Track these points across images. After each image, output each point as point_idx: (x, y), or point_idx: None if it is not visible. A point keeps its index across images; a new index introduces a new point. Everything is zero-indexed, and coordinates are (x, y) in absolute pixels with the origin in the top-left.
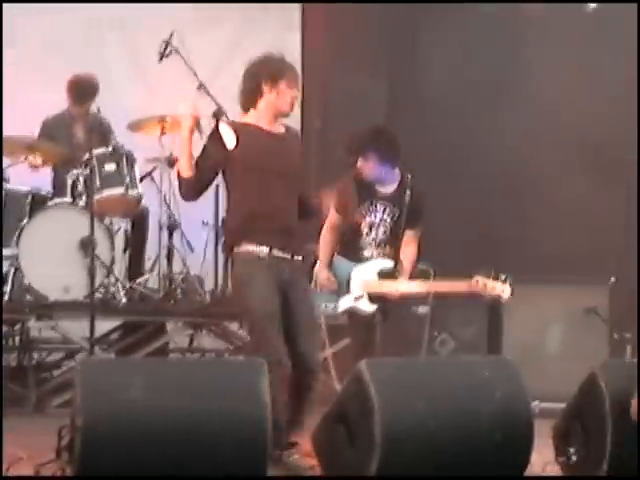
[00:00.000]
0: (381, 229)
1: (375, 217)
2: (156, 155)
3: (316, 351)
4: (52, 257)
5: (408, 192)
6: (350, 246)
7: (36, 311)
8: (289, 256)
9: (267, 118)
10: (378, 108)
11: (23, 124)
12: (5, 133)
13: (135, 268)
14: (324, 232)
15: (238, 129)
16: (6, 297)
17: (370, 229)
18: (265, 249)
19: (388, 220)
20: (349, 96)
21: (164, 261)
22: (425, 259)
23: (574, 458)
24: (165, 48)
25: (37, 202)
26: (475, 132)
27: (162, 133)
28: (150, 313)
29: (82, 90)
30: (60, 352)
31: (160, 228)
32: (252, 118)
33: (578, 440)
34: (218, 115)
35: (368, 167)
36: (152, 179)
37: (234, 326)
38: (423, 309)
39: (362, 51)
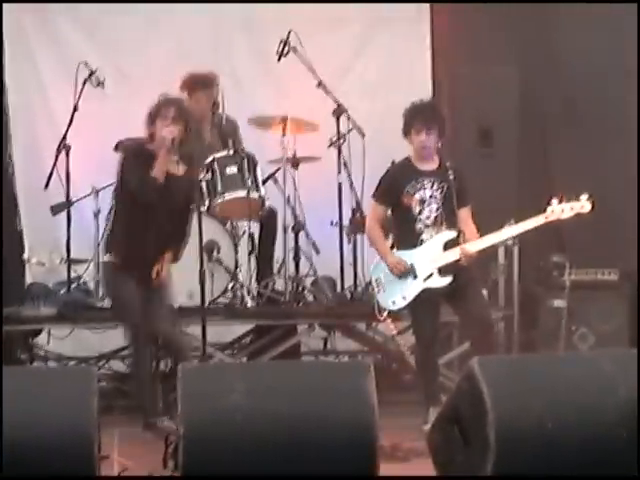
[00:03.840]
0: (433, 205)
1: (424, 193)
2: (279, 156)
3: None
4: (180, 262)
5: (451, 171)
6: (406, 235)
7: None
8: None
9: None
10: (510, 95)
11: None
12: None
13: (263, 270)
14: (369, 227)
15: None
16: None
17: (422, 207)
18: None
19: (438, 195)
20: (479, 84)
21: (291, 263)
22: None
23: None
24: (283, 47)
25: None
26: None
27: (284, 133)
28: (278, 316)
29: (194, 82)
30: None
31: (285, 230)
32: None
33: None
34: (338, 113)
35: (430, 140)
36: (275, 181)
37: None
38: (560, 302)
39: (491, 38)
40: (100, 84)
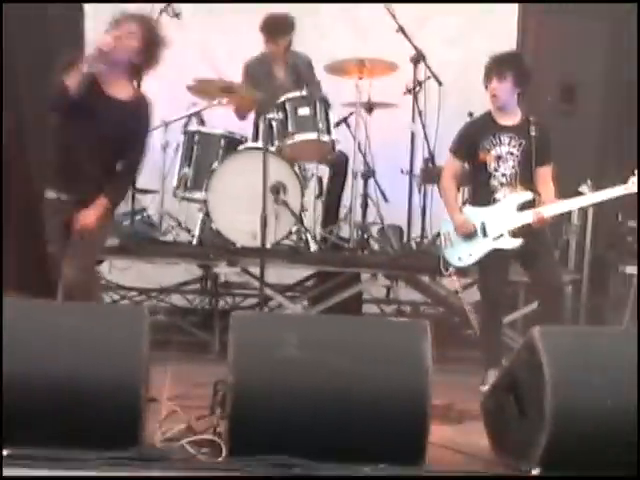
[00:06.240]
0: (509, 163)
1: (501, 150)
2: (353, 100)
3: None
4: (241, 202)
5: (533, 126)
6: (480, 191)
7: (222, 257)
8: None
9: None
10: (598, 52)
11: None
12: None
13: (329, 215)
14: (443, 181)
15: None
16: (195, 241)
17: (498, 163)
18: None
19: (515, 152)
20: (567, 38)
21: (358, 210)
22: None
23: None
24: None
25: (230, 146)
26: None
27: (360, 77)
28: (341, 263)
29: (274, 27)
30: (253, 298)
31: (354, 175)
32: None
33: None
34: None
35: (501, 89)
36: (348, 125)
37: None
38: (631, 269)
39: None
40: (176, 15)
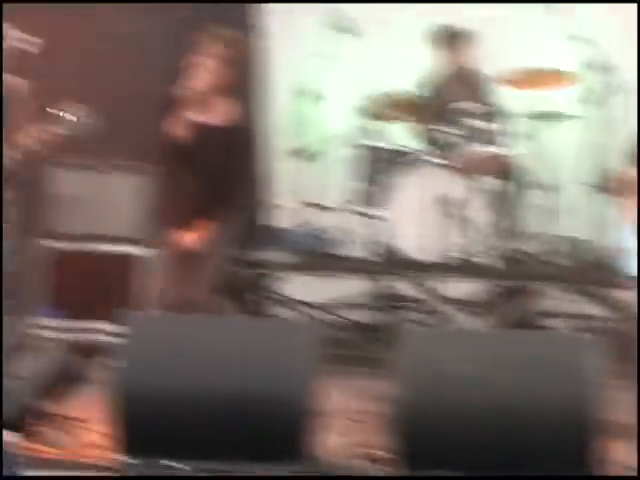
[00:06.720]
0: None
1: None
2: (530, 111)
3: None
4: (415, 217)
5: None
6: None
7: (395, 271)
8: None
9: None
10: None
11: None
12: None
13: (505, 228)
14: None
15: None
16: (367, 256)
17: None
18: None
19: None
20: None
21: (537, 223)
22: None
23: None
24: None
25: (404, 160)
26: None
27: (534, 87)
28: (518, 276)
29: (442, 36)
30: (426, 313)
31: (532, 187)
32: None
33: None
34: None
35: None
36: (523, 137)
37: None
38: None
39: None
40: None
